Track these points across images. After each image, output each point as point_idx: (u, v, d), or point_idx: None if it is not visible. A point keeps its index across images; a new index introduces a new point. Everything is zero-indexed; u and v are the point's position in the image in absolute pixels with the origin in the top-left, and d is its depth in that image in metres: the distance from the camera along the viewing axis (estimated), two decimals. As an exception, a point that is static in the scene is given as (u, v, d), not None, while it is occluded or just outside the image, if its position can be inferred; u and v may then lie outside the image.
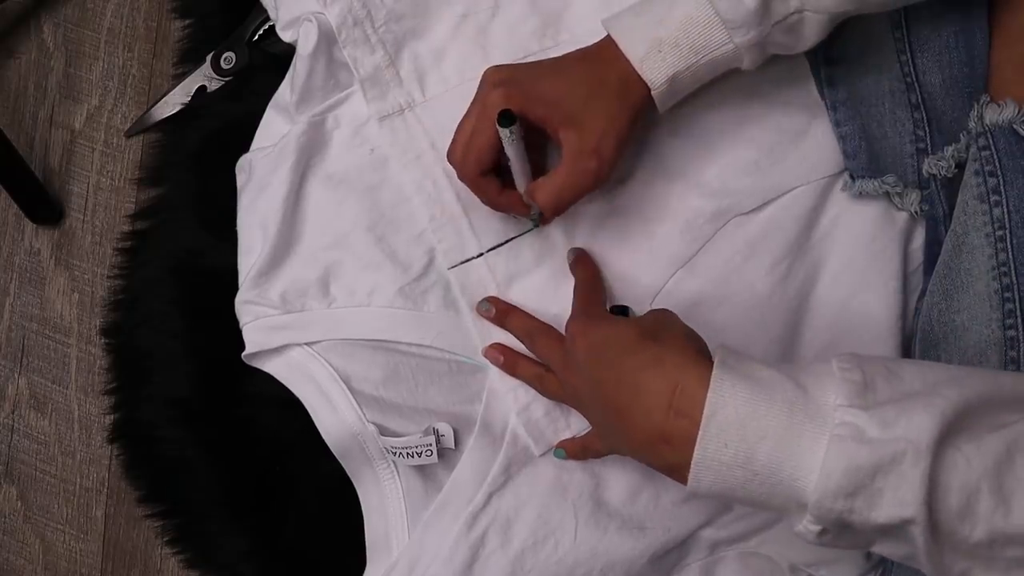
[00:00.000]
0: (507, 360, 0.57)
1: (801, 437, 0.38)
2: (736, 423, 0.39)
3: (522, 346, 0.57)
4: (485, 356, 0.57)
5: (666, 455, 0.42)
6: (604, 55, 0.51)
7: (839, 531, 0.39)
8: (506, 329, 0.57)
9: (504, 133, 0.50)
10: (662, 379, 0.43)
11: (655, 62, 0.50)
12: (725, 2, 0.48)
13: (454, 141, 0.53)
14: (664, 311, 0.49)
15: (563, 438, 0.57)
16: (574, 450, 0.56)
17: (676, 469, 0.42)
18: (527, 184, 0.54)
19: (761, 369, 0.41)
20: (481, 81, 0.52)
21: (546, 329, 0.56)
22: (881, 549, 0.40)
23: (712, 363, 0.42)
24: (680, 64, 0.50)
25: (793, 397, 0.39)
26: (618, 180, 0.60)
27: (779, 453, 0.38)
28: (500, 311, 0.57)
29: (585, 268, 0.57)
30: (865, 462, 0.36)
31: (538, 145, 0.56)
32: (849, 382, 0.39)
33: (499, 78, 0.51)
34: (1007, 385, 0.39)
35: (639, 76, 0.50)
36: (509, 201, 0.55)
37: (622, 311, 0.56)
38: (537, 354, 0.56)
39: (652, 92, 0.50)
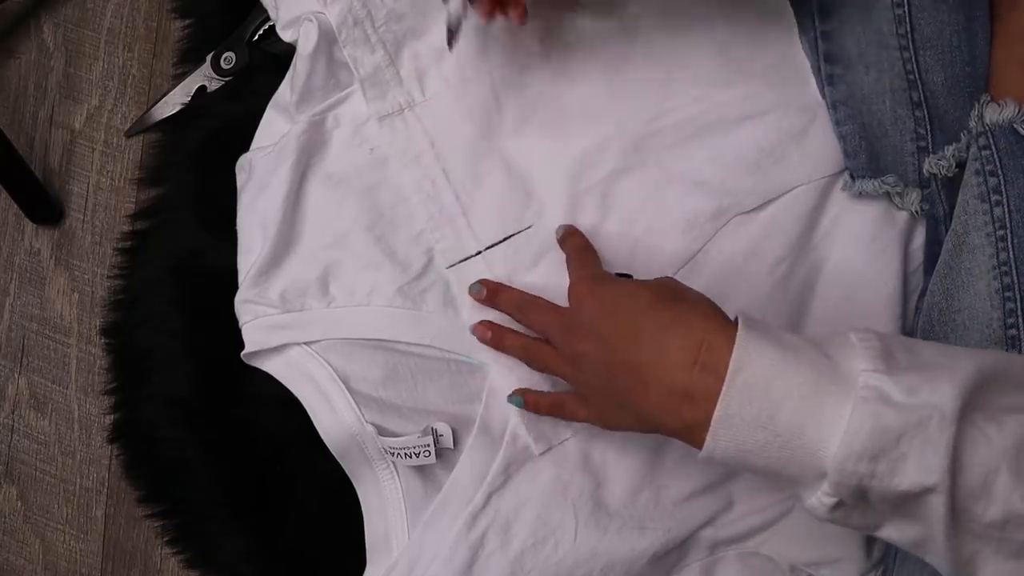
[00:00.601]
0: (494, 335, 0.56)
1: (826, 399, 0.38)
2: (762, 381, 0.39)
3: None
4: (473, 333, 0.57)
5: (685, 414, 0.42)
6: None
7: (854, 503, 0.38)
8: (497, 307, 0.57)
9: None
10: (688, 336, 0.42)
11: None
12: None
13: None
14: (669, 277, 0.49)
15: (564, 437, 0.57)
16: (537, 403, 0.54)
17: (693, 429, 0.41)
18: None
19: (785, 334, 0.41)
20: None
21: (538, 300, 0.55)
22: (889, 531, 0.39)
23: (734, 325, 0.42)
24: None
25: (818, 361, 0.39)
26: (618, 180, 0.60)
27: (803, 414, 0.38)
28: (491, 290, 0.57)
29: (576, 238, 0.56)
30: (891, 424, 0.36)
31: None
32: (871, 349, 0.39)
33: None
34: (1016, 365, 0.39)
35: None
36: None
37: (626, 277, 0.55)
38: (532, 326, 0.55)
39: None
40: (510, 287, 0.57)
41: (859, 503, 0.38)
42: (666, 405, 0.43)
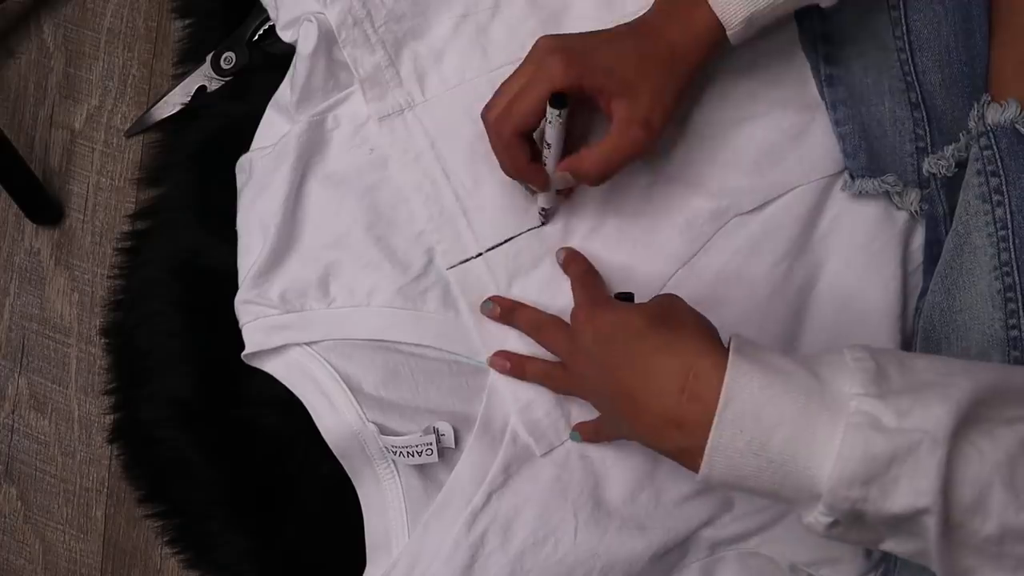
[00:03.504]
0: (514, 365, 0.57)
1: (817, 425, 0.38)
2: (752, 410, 0.39)
3: (523, 348, 0.57)
4: (491, 366, 0.58)
5: (676, 439, 0.42)
6: (652, 26, 0.52)
7: (850, 523, 0.38)
8: (512, 325, 0.58)
9: (552, 114, 0.50)
10: (675, 363, 0.43)
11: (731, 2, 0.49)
12: None
13: (496, 97, 0.53)
14: (671, 296, 0.49)
15: (564, 437, 0.57)
16: (588, 432, 0.57)
17: (685, 453, 0.42)
18: (555, 164, 0.54)
19: (775, 357, 0.41)
20: (534, 48, 0.52)
21: (553, 320, 0.56)
22: (889, 546, 0.39)
23: (724, 349, 0.42)
24: (760, 2, 0.49)
25: (808, 385, 0.39)
26: (618, 181, 0.60)
27: (794, 441, 0.38)
28: (505, 308, 0.57)
29: (578, 263, 0.57)
30: (881, 451, 0.36)
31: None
32: (863, 371, 0.39)
33: (556, 45, 0.51)
34: (1016, 378, 0.39)
35: (687, 45, 0.51)
36: (534, 172, 0.54)
37: (627, 298, 0.56)
38: (545, 345, 0.56)
39: (728, 32, 0.50)
40: (524, 306, 0.58)
41: (855, 523, 0.38)
42: (658, 431, 0.43)
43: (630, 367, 0.45)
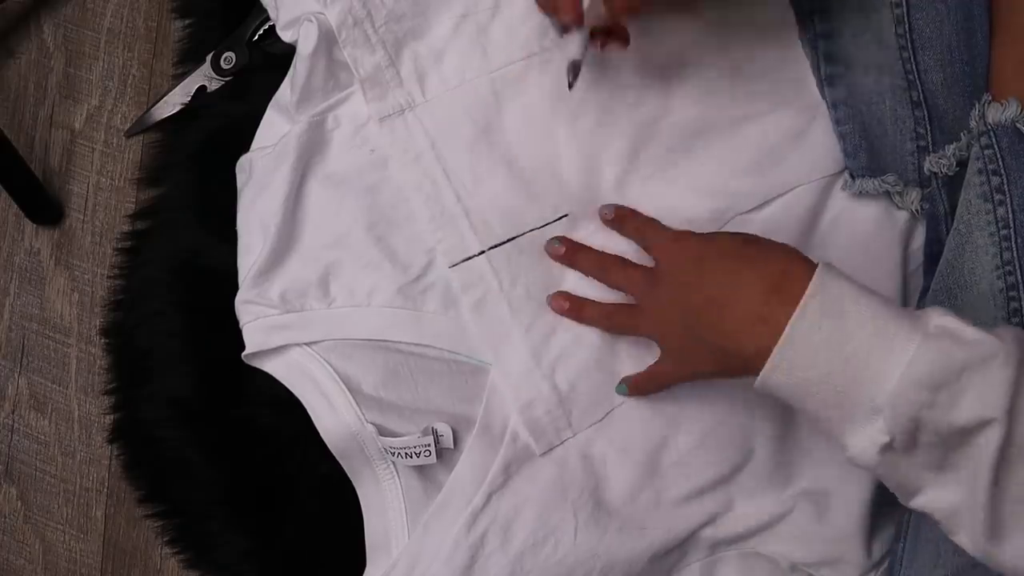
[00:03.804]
0: (572, 305, 0.57)
1: (897, 333, 0.39)
2: (838, 308, 0.40)
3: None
4: (550, 305, 0.58)
5: (759, 336, 0.42)
6: None
7: (904, 446, 0.38)
8: (576, 267, 0.58)
9: None
10: (768, 267, 0.44)
11: None
12: None
13: None
14: (755, 233, 0.50)
15: (564, 437, 0.57)
16: (640, 382, 0.56)
17: (761, 355, 0.42)
18: None
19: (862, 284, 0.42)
20: None
21: (618, 258, 0.57)
22: (928, 497, 0.40)
23: (813, 263, 0.43)
24: None
25: (892, 304, 0.40)
26: (619, 179, 0.60)
27: (871, 344, 0.39)
28: (569, 249, 0.58)
29: (635, 214, 0.58)
30: (956, 359, 0.37)
31: None
32: (940, 309, 0.40)
33: None
34: None
35: None
36: (566, 1, 0.51)
37: None
38: (613, 283, 0.57)
39: None
40: (590, 248, 0.58)
41: (908, 448, 0.39)
42: (742, 328, 0.43)
43: (721, 278, 0.46)
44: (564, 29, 0.54)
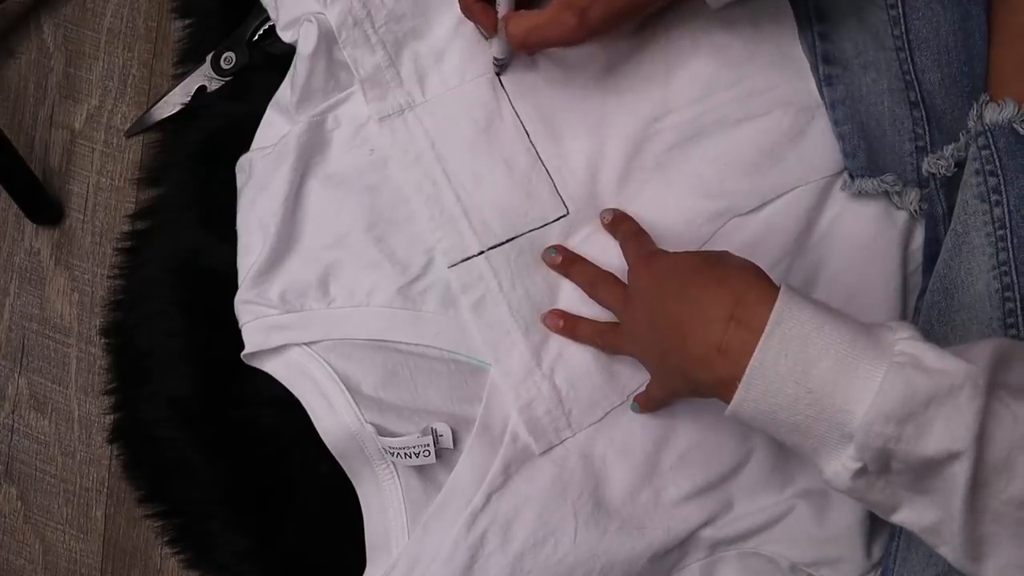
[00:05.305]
0: (566, 324, 0.58)
1: (861, 361, 0.38)
2: (799, 337, 0.39)
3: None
4: (544, 323, 0.58)
5: (719, 368, 0.42)
6: None
7: (876, 471, 0.38)
8: (570, 277, 0.58)
9: None
10: (725, 293, 0.43)
11: None
12: None
13: None
14: (723, 251, 0.50)
15: (564, 436, 0.57)
16: (642, 400, 0.57)
17: (725, 385, 0.42)
18: (507, 10, 0.55)
19: (825, 304, 0.42)
20: None
21: (609, 276, 0.57)
22: (906, 514, 0.39)
23: (775, 287, 0.43)
24: None
25: (856, 327, 0.40)
26: (618, 180, 0.60)
27: (836, 372, 0.38)
28: (566, 259, 0.58)
29: (627, 222, 0.58)
30: (922, 390, 0.36)
31: None
32: (908, 326, 0.40)
33: None
34: (1021, 347, 0.40)
35: None
36: (482, 12, 0.56)
37: None
38: (600, 300, 0.57)
39: None
40: (584, 260, 0.58)
41: (881, 473, 0.38)
42: (702, 359, 0.43)
43: (681, 300, 0.46)
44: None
